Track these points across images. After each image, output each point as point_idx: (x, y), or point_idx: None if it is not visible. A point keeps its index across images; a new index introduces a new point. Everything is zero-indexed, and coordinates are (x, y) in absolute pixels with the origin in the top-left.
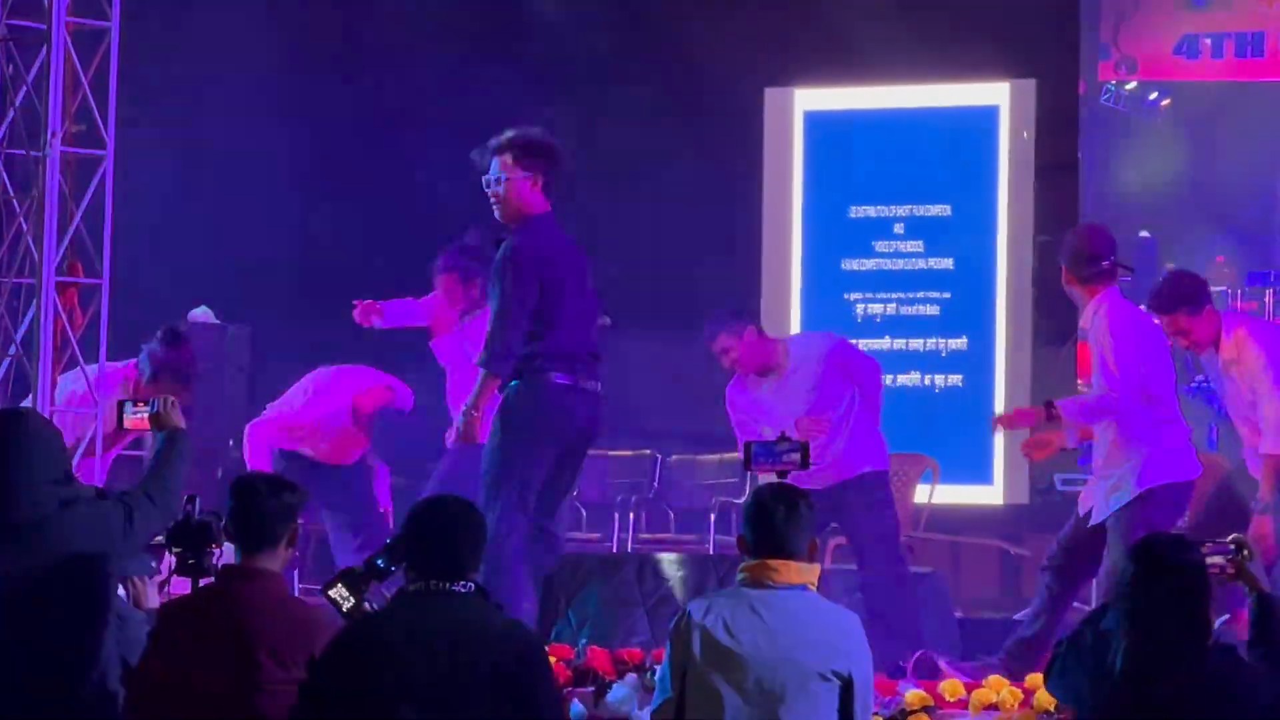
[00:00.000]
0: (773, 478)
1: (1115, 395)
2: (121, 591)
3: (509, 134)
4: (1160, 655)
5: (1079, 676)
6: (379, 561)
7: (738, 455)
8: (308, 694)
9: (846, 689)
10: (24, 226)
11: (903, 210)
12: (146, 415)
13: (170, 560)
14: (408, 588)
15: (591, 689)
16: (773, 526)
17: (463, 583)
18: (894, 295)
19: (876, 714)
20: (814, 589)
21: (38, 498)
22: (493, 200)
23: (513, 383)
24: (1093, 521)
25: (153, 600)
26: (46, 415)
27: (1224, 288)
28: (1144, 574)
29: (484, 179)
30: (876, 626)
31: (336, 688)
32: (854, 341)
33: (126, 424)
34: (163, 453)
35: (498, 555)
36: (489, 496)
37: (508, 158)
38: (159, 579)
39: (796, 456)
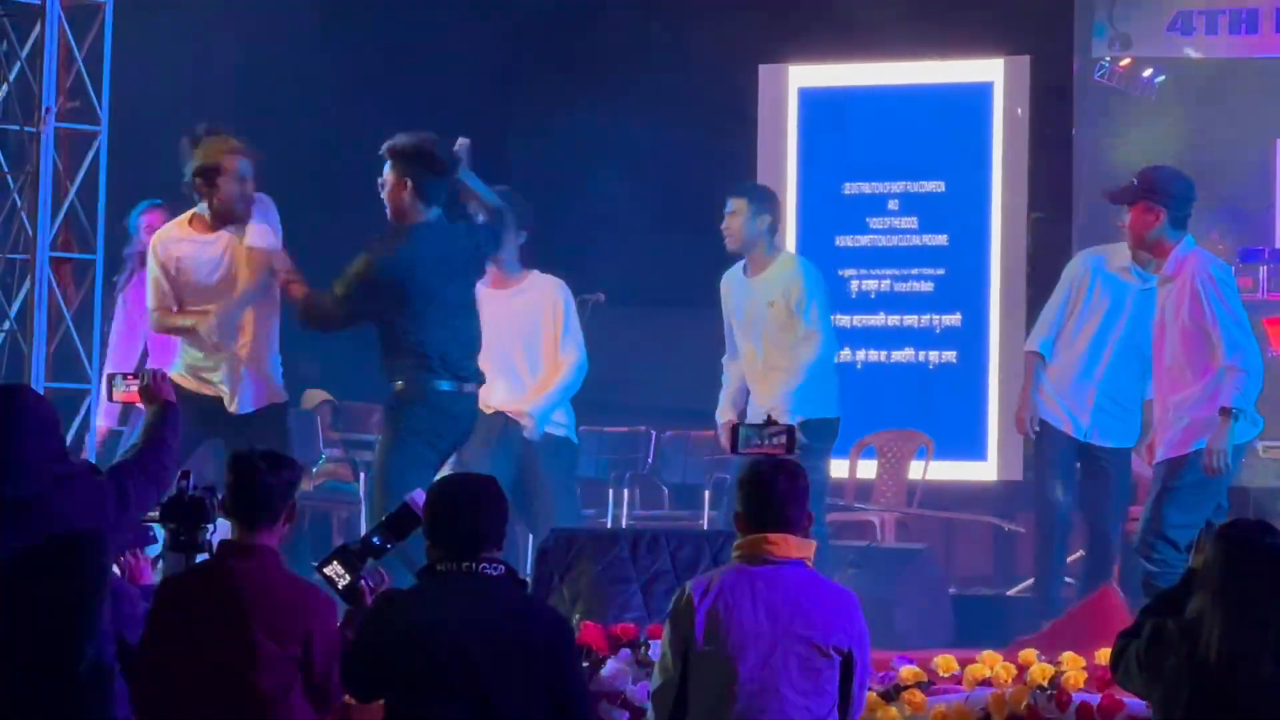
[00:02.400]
0: None
1: (1243, 351)
2: (115, 568)
3: (394, 139)
4: (1257, 636)
5: (1173, 668)
6: (375, 539)
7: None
8: (348, 675)
9: (845, 665)
10: (18, 202)
11: (897, 187)
12: (136, 388)
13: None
14: (436, 567)
15: (585, 665)
16: (773, 498)
17: (493, 564)
18: (888, 272)
19: (871, 689)
20: (810, 564)
21: (33, 474)
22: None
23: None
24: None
25: (146, 576)
26: (41, 391)
27: None
28: (1232, 559)
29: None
30: None
31: (373, 672)
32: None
33: (116, 397)
34: (154, 426)
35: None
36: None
37: (388, 162)
38: (153, 556)
39: (783, 439)
